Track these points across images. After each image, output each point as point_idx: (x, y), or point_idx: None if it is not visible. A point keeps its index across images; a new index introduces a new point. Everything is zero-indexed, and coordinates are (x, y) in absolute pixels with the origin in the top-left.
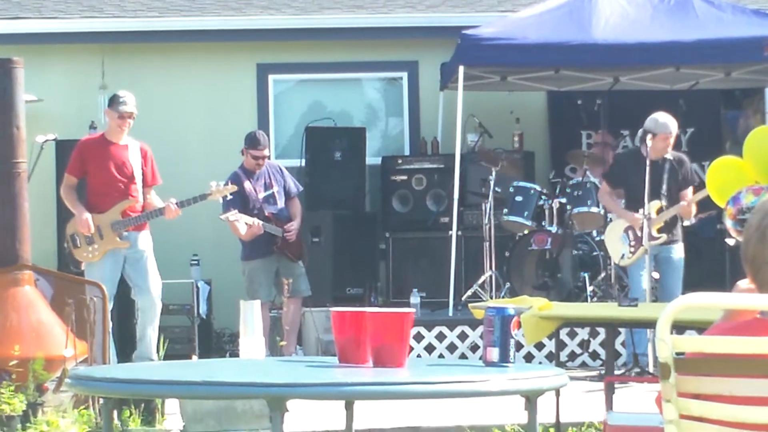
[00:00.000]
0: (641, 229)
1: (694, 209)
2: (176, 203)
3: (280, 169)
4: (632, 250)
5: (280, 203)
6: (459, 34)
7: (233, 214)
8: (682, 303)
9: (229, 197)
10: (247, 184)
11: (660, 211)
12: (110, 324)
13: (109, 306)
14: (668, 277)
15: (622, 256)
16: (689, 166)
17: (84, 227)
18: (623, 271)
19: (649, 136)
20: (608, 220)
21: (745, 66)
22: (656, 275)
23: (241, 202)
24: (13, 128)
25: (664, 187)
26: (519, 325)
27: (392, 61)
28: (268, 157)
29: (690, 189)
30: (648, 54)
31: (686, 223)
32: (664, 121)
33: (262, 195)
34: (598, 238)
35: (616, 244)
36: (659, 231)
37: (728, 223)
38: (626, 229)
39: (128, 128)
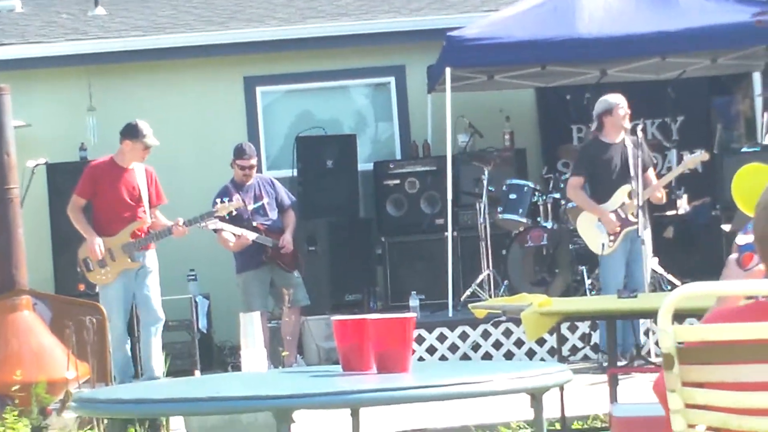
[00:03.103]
0: (620, 221)
1: (663, 192)
2: (184, 222)
3: (272, 182)
4: (612, 238)
5: (272, 215)
6: (444, 36)
7: (213, 223)
8: (682, 293)
9: (234, 212)
10: (237, 197)
11: (631, 194)
12: (128, 341)
13: (124, 325)
14: (636, 264)
15: (603, 246)
16: (646, 147)
17: (94, 253)
18: None
19: (605, 117)
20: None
21: (731, 52)
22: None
23: (229, 214)
24: (3, 155)
25: (633, 171)
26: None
27: (379, 67)
28: (256, 168)
29: (651, 170)
30: (634, 45)
31: (681, 211)
32: (613, 97)
33: (251, 207)
34: None
35: (592, 233)
36: (634, 215)
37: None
38: (599, 218)
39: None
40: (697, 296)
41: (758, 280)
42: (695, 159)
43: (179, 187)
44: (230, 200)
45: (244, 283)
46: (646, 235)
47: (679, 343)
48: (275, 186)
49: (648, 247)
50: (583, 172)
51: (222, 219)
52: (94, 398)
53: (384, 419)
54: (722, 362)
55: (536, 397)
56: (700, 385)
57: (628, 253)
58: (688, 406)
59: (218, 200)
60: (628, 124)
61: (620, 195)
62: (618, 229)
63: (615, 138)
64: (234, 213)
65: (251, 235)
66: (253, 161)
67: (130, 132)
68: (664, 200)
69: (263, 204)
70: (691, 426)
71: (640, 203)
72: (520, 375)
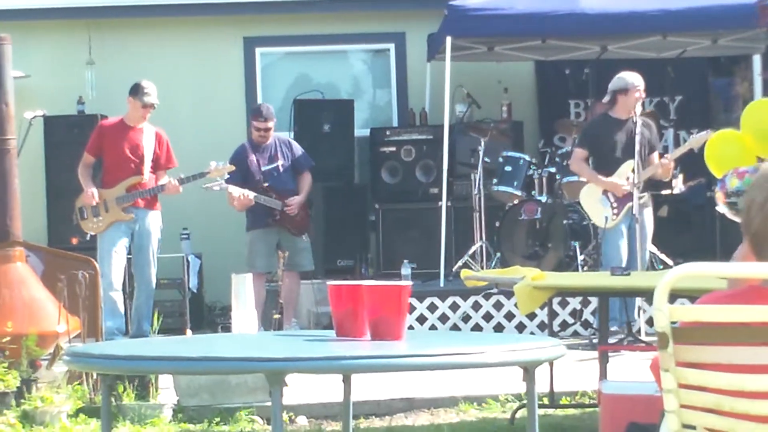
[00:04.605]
0: (624, 195)
1: (671, 166)
2: (177, 180)
3: (289, 143)
4: (615, 212)
5: (285, 177)
6: (446, 5)
7: (217, 184)
8: (679, 272)
9: (227, 176)
10: (252, 157)
11: (635, 170)
12: (120, 295)
13: (122, 275)
14: (636, 241)
15: (606, 219)
16: (655, 130)
17: (89, 199)
18: None
19: (620, 95)
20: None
21: (732, 33)
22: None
23: (242, 174)
24: (2, 105)
25: (638, 147)
26: None
27: (379, 33)
28: (270, 130)
29: (656, 154)
30: (635, 22)
31: (676, 190)
32: (633, 77)
33: (264, 168)
34: None
35: (596, 206)
36: (639, 190)
37: (721, 208)
38: (605, 191)
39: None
40: (693, 276)
41: (758, 263)
42: (702, 138)
43: (176, 145)
44: (225, 164)
45: (250, 242)
46: (647, 214)
47: (673, 322)
48: (292, 148)
49: (648, 226)
50: (587, 145)
51: (233, 179)
52: (87, 353)
53: (373, 386)
54: (717, 343)
55: (529, 370)
56: (694, 366)
57: (629, 229)
58: (681, 386)
59: (213, 163)
60: (639, 108)
61: (625, 169)
62: (625, 191)
63: (624, 115)
64: (227, 176)
65: (250, 194)
66: (270, 124)
67: (133, 89)
68: (670, 175)
69: (277, 166)
70: (683, 406)
71: (637, 181)
72: (513, 348)
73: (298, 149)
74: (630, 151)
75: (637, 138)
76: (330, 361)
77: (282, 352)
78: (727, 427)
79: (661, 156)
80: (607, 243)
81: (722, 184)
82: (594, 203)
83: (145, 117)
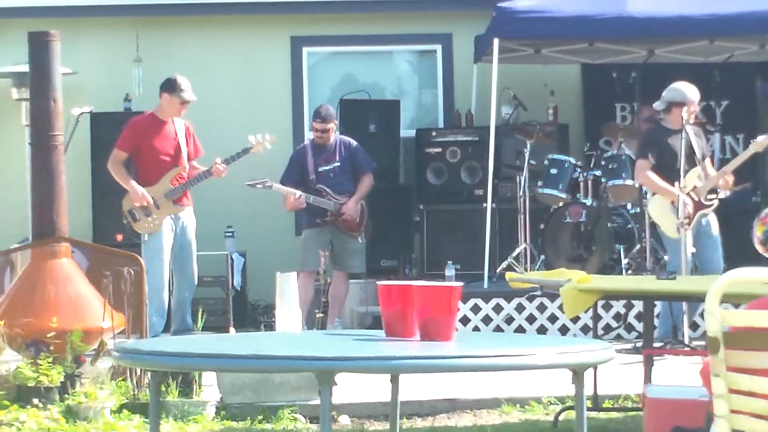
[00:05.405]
0: (693, 201)
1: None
2: (222, 161)
3: (350, 144)
4: (687, 221)
5: (341, 178)
6: (493, 7)
7: (260, 183)
8: (731, 277)
9: (269, 147)
10: (309, 157)
11: (700, 177)
12: (167, 292)
13: (166, 273)
14: (709, 249)
15: (678, 230)
16: (704, 137)
17: (142, 200)
18: (659, 244)
19: (676, 107)
20: (644, 193)
21: None
22: (693, 249)
23: (299, 174)
24: (50, 101)
25: (699, 154)
26: None
27: (426, 34)
28: (333, 131)
29: (708, 160)
30: (682, 26)
31: (721, 195)
32: (692, 92)
33: (321, 169)
34: (632, 211)
35: (667, 217)
36: (707, 199)
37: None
38: (673, 201)
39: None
40: (743, 282)
41: None
42: (763, 143)
43: (222, 144)
44: (264, 135)
45: (304, 240)
46: (713, 218)
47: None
48: (351, 149)
49: (713, 231)
50: (652, 155)
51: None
52: (136, 349)
53: (415, 386)
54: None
55: (578, 373)
56: (745, 371)
57: (696, 237)
58: (731, 391)
59: (252, 137)
60: (691, 120)
61: (691, 178)
62: (696, 200)
63: (677, 126)
64: (269, 147)
65: (296, 193)
66: (328, 126)
67: (169, 86)
68: (731, 184)
69: (334, 167)
70: (733, 411)
71: (686, 189)
72: (563, 350)
73: (358, 150)
74: (690, 161)
75: (696, 148)
76: (380, 360)
77: (332, 351)
78: None
79: (713, 162)
80: (674, 252)
81: (754, 232)
82: (664, 213)
83: (180, 113)
